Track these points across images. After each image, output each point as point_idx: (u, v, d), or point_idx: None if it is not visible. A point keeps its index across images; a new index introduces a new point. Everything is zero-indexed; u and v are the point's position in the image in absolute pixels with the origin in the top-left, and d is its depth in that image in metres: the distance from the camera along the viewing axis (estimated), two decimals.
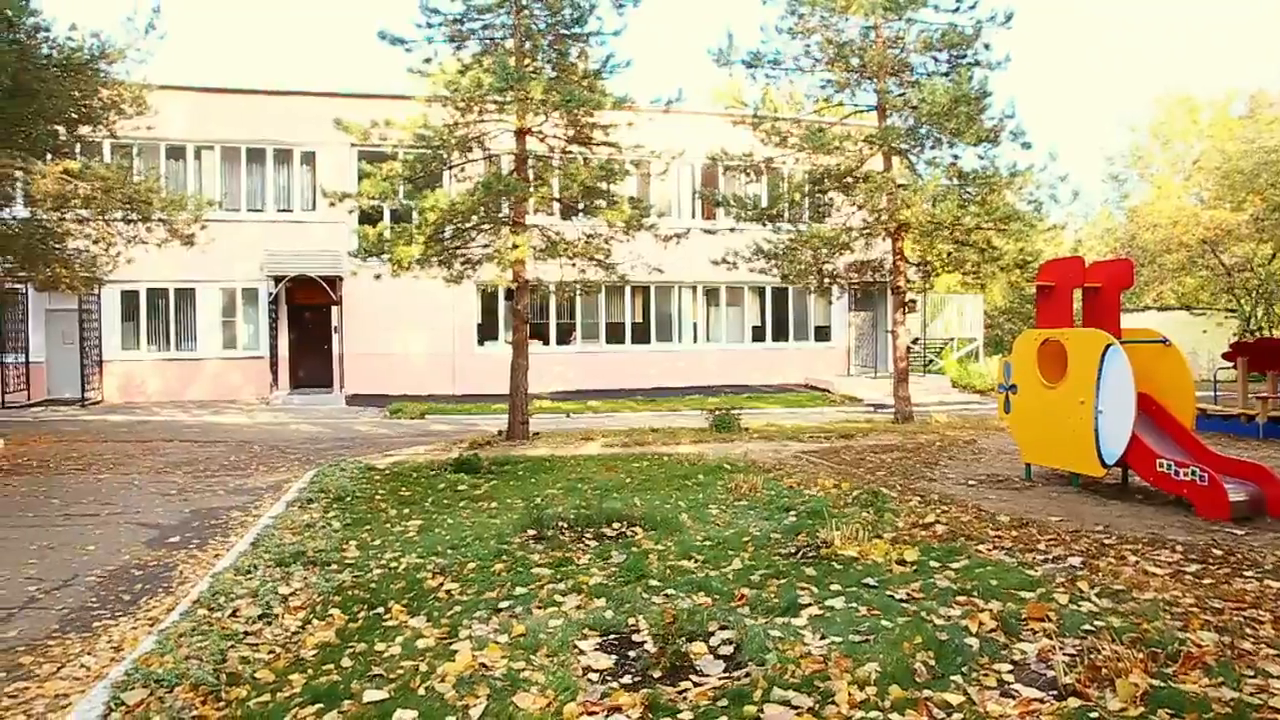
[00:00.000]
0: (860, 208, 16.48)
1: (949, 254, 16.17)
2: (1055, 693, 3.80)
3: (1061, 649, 4.21)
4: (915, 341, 26.00)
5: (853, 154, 16.13)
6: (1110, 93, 66.36)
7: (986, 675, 3.99)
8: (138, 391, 22.17)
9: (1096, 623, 4.54)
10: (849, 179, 16.35)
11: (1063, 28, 71.93)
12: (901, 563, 5.87)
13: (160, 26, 13.87)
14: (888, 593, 5.19)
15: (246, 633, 5.17)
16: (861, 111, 17.40)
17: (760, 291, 26.79)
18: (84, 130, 14.72)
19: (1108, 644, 4.14)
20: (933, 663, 4.08)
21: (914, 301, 19.27)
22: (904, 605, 4.94)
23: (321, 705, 4.01)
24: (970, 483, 9.60)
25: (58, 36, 12.92)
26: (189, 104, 21.83)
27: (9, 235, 14.24)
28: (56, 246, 14.88)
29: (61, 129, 13.83)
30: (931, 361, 28.24)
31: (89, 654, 5.25)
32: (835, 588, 5.33)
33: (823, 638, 4.48)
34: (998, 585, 5.28)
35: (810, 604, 5.03)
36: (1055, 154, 22.25)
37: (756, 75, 16.91)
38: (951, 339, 29.68)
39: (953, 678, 3.95)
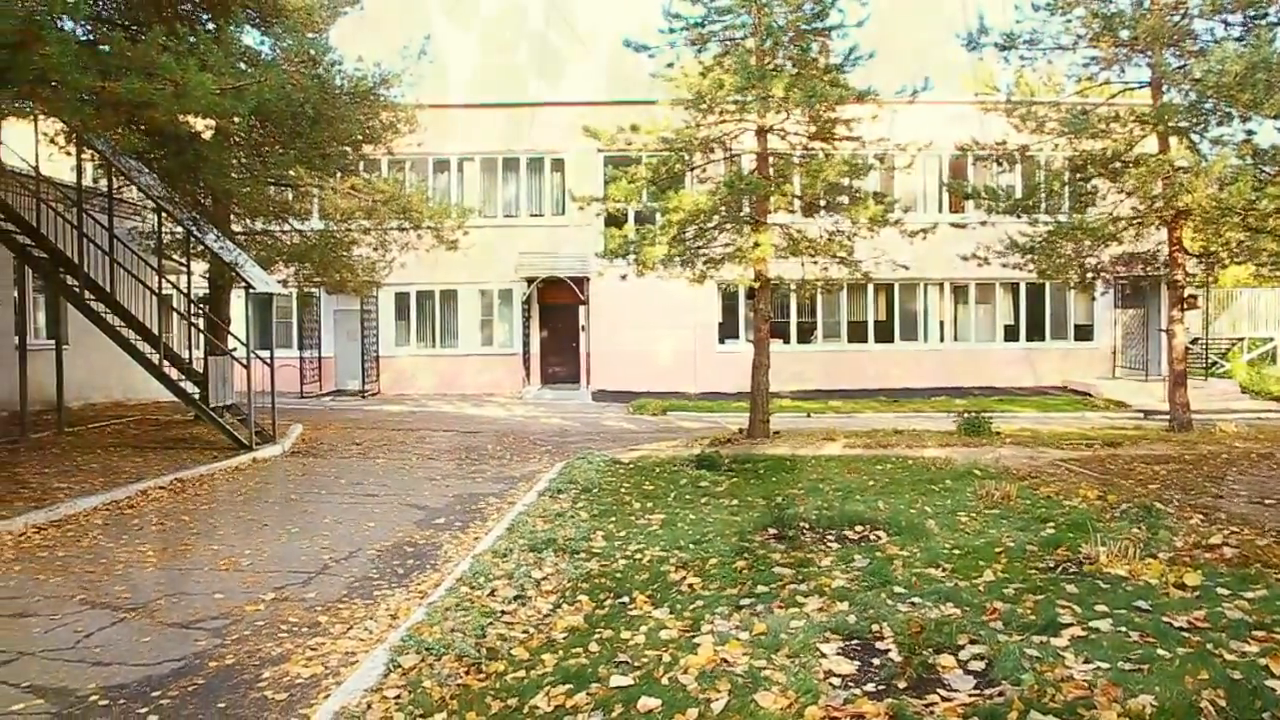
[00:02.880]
0: (1130, 195, 15.01)
1: (1240, 243, 14.42)
2: None
3: None
4: (1195, 341, 23.31)
5: (1121, 136, 14.72)
6: None
7: None
8: (408, 384, 24.37)
9: None
10: (1117, 164, 14.95)
11: None
12: (1180, 587, 5.29)
13: (429, 51, 15.24)
14: (1164, 619, 4.69)
15: (503, 611, 5.57)
16: (1131, 89, 15.81)
17: (1013, 288, 25.14)
18: (366, 149, 16.41)
19: None
20: (1223, 703, 3.63)
21: (1194, 297, 17.28)
22: (1184, 634, 4.44)
23: (571, 686, 4.23)
24: (1267, 502, 8.48)
25: (347, 68, 14.53)
26: (453, 120, 23.76)
27: (309, 246, 16.24)
28: (344, 254, 16.74)
29: (349, 149, 15.48)
30: (1215, 364, 25.26)
31: (370, 619, 5.87)
32: (1100, 608, 4.90)
33: (1086, 661, 4.14)
34: None
35: (1072, 624, 4.66)
36: None
37: (1010, 58, 15.79)
38: (1242, 338, 26.35)
39: None
